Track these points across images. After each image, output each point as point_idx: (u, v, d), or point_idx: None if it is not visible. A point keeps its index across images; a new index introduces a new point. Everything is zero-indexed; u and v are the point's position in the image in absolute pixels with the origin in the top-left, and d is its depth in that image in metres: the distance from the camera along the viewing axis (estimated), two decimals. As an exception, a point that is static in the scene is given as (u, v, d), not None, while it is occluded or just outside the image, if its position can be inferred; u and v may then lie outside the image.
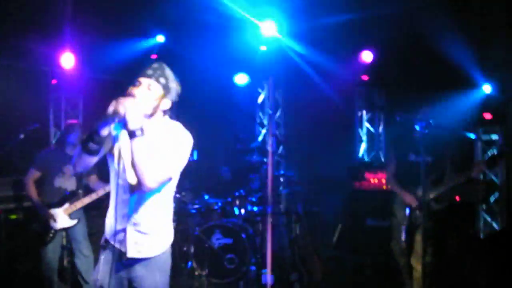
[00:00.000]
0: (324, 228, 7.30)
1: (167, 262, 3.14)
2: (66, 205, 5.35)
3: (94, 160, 2.83)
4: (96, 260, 3.11)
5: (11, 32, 6.77)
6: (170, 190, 3.06)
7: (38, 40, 6.89)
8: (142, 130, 2.63)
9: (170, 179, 2.91)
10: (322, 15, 7.00)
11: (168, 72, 2.94)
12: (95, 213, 5.80)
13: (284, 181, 6.56)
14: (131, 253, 2.94)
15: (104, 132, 2.71)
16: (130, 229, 2.94)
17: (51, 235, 5.31)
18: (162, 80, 2.88)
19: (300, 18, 7.31)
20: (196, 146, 3.06)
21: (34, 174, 5.42)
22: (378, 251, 6.51)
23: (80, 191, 5.45)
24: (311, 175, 7.99)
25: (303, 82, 8.34)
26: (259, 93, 8.75)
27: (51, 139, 7.79)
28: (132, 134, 2.62)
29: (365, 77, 7.97)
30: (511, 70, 6.70)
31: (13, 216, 6.26)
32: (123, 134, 2.73)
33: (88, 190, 5.49)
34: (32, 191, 5.37)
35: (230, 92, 8.45)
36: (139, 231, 2.96)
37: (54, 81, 7.66)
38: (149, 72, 2.86)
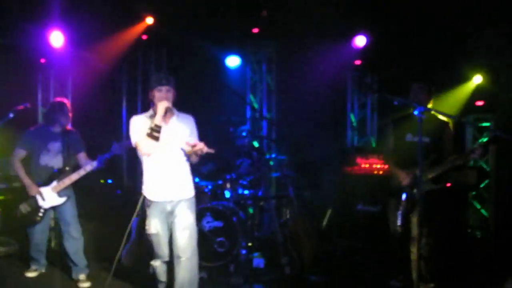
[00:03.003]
0: (314, 213, 7.29)
1: (194, 202, 4.46)
2: (54, 183, 5.28)
3: (156, 144, 4.10)
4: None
5: (0, 11, 6.64)
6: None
7: (27, 19, 6.78)
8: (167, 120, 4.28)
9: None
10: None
11: (169, 76, 4.29)
12: (83, 193, 5.72)
13: (275, 165, 6.52)
14: (177, 196, 4.29)
15: (160, 124, 4.09)
16: (175, 181, 4.31)
17: (40, 214, 5.24)
18: (171, 82, 4.26)
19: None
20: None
21: (21, 153, 5.35)
22: (368, 236, 6.53)
23: (68, 168, 5.36)
24: (302, 159, 7.97)
25: (295, 66, 8.30)
26: (250, 76, 8.66)
27: (39, 119, 7.69)
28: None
29: (357, 62, 7.93)
30: (502, 58, 6.71)
31: (1, 197, 6.19)
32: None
33: (75, 168, 5.42)
34: (20, 170, 5.30)
35: (221, 74, 8.38)
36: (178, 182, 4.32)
37: (42, 60, 7.54)
38: (164, 81, 4.21)
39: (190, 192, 4.40)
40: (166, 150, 4.24)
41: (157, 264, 4.50)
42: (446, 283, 5.36)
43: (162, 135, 4.12)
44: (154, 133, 4.06)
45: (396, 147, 5.24)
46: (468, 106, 7.06)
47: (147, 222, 4.35)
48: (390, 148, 5.31)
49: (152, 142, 4.09)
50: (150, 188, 4.32)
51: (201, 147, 4.03)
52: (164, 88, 4.21)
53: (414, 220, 4.79)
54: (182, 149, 4.26)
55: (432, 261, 5.07)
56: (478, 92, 7.06)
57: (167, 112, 4.19)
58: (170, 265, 4.44)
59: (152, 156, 4.24)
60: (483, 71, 6.99)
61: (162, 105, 4.11)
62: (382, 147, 5.52)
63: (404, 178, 4.93)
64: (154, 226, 4.30)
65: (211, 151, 4.05)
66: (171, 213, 4.31)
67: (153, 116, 4.16)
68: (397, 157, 5.20)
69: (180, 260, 4.26)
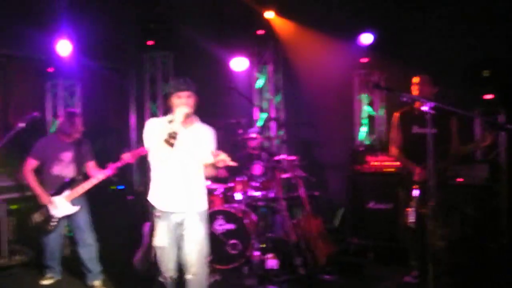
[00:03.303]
0: (325, 212, 7.28)
1: (206, 215, 4.22)
2: (67, 192, 5.32)
3: (172, 150, 3.85)
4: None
5: (7, 20, 6.70)
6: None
7: (34, 28, 6.82)
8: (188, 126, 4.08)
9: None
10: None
11: (189, 80, 4.08)
12: (97, 201, 5.76)
13: (285, 166, 6.51)
14: (188, 208, 4.06)
15: (178, 131, 3.83)
16: (187, 191, 4.08)
17: (53, 223, 5.28)
18: (192, 88, 4.06)
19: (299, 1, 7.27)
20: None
21: (32, 163, 5.40)
22: (380, 234, 6.52)
23: (80, 177, 5.41)
24: (312, 159, 7.97)
25: (302, 66, 8.30)
26: (257, 78, 8.68)
27: (49, 128, 7.74)
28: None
29: (364, 60, 7.91)
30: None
31: (14, 206, 6.23)
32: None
33: (87, 177, 5.46)
34: (32, 180, 5.34)
35: (228, 77, 8.40)
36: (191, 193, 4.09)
37: (51, 69, 7.59)
38: (183, 87, 4.02)
39: (203, 204, 4.19)
40: (181, 158, 4.03)
41: (165, 281, 4.19)
42: (461, 277, 5.35)
43: (178, 142, 3.88)
44: (171, 139, 3.80)
45: (404, 140, 5.27)
46: (477, 99, 7.02)
47: (154, 233, 4.14)
48: (397, 142, 5.33)
49: (167, 148, 3.83)
50: (160, 197, 4.11)
51: (224, 158, 3.79)
52: (184, 94, 4.01)
53: (428, 212, 4.78)
54: (202, 158, 4.04)
55: (448, 253, 5.06)
56: (486, 85, 7.01)
57: (187, 118, 3.97)
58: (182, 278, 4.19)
59: (165, 163, 4.03)
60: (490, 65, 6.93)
61: (181, 111, 3.90)
62: (390, 141, 5.54)
63: (418, 174, 4.93)
64: (161, 238, 4.09)
65: (234, 164, 3.81)
66: (180, 225, 4.08)
67: (171, 122, 3.87)
68: (405, 150, 5.23)
69: (188, 277, 4.07)
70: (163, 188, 4.10)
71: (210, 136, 4.21)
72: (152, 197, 4.14)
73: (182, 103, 3.98)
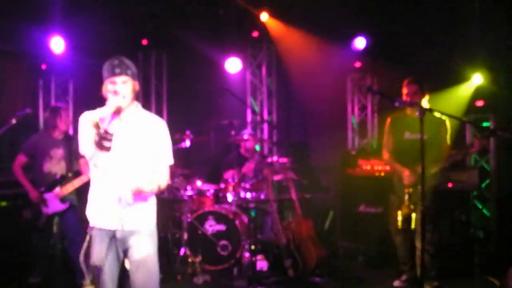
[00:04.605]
0: (316, 215, 7.29)
1: (155, 232, 3.44)
2: (57, 189, 5.28)
3: (108, 155, 3.05)
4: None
5: (0, 16, 6.66)
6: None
7: (27, 24, 6.79)
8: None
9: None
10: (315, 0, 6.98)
11: (127, 61, 3.27)
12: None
13: (276, 168, 6.52)
14: (127, 226, 3.25)
15: (113, 129, 2.97)
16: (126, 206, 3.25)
17: (43, 221, 5.25)
18: (129, 71, 3.24)
19: (294, 3, 7.28)
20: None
21: (22, 160, 5.37)
22: (370, 237, 6.54)
23: (70, 175, 5.36)
24: (303, 162, 8.00)
25: (295, 69, 8.32)
26: (250, 80, 8.69)
27: (41, 124, 7.71)
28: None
29: (357, 64, 7.95)
30: (501, 59, 6.73)
31: (3, 203, 6.19)
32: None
33: (78, 174, 5.43)
34: (22, 176, 5.33)
35: (221, 78, 8.40)
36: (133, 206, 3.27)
37: (43, 66, 7.56)
38: (117, 70, 3.19)
39: (150, 222, 3.36)
40: (120, 163, 3.21)
41: None
42: (450, 281, 5.37)
43: (116, 143, 3.04)
44: (103, 141, 2.93)
45: (395, 145, 5.31)
46: (468, 106, 7.08)
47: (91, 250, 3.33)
48: (389, 147, 5.37)
49: (101, 153, 3.00)
50: (93, 210, 3.31)
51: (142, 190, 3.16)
52: (118, 79, 3.18)
53: (418, 216, 4.82)
54: (148, 162, 3.30)
55: (436, 257, 5.09)
56: (478, 92, 7.07)
57: (118, 113, 3.06)
58: None
59: (101, 170, 3.22)
60: (483, 71, 6.99)
61: (112, 104, 3.07)
62: (381, 146, 5.58)
63: (408, 177, 4.97)
64: (96, 256, 3.26)
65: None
66: (122, 242, 3.27)
67: (103, 118, 3.04)
68: (397, 155, 5.27)
69: None
70: (98, 199, 3.30)
71: (159, 130, 3.39)
72: (88, 209, 3.36)
73: (114, 91, 3.17)
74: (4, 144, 6.40)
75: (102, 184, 3.27)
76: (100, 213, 3.27)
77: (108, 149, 2.95)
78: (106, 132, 2.93)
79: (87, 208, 3.36)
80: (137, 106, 3.40)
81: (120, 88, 3.18)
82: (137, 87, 3.30)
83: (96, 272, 3.28)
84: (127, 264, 3.35)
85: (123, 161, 3.21)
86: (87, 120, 3.18)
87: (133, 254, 3.28)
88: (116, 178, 3.21)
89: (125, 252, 3.31)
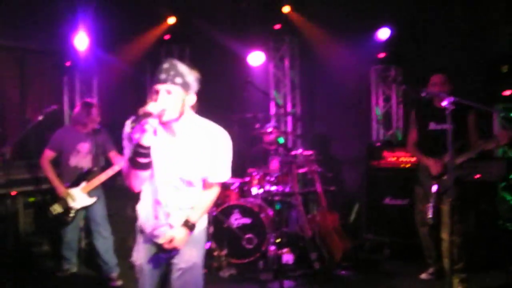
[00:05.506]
0: (341, 207, 7.25)
1: (203, 237, 3.26)
2: (84, 184, 5.34)
3: (148, 173, 2.86)
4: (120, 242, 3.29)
5: (25, 14, 6.74)
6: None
7: (51, 22, 6.86)
8: (174, 132, 2.87)
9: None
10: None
11: (181, 67, 2.83)
12: (114, 194, 5.79)
13: (301, 160, 6.50)
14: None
15: (148, 142, 2.68)
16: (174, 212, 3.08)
17: (71, 215, 5.31)
18: (178, 79, 2.78)
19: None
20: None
21: (49, 155, 5.41)
22: (396, 230, 6.48)
23: (96, 169, 5.43)
24: (328, 154, 7.96)
25: (319, 61, 8.28)
26: (274, 72, 8.66)
27: (66, 121, 7.79)
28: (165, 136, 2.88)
29: (381, 55, 7.85)
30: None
31: (32, 199, 6.28)
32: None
33: (104, 168, 5.48)
34: (50, 171, 5.37)
35: (244, 71, 8.38)
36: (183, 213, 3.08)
37: (68, 63, 7.63)
38: (163, 77, 2.76)
39: (197, 229, 3.13)
40: (163, 176, 2.97)
41: None
42: (477, 274, 5.31)
43: (157, 155, 2.84)
44: (138, 158, 2.69)
45: (420, 136, 5.25)
46: (495, 95, 6.95)
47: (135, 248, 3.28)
48: (414, 138, 5.31)
49: (138, 173, 2.77)
50: (140, 211, 3.20)
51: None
52: (162, 87, 2.76)
53: (446, 208, 4.76)
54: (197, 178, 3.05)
55: (465, 249, 5.02)
56: (505, 81, 6.93)
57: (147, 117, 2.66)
58: None
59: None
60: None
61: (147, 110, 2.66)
62: (406, 137, 5.53)
63: (434, 168, 4.91)
64: (137, 255, 3.22)
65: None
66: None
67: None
68: (422, 146, 5.21)
69: None
70: (147, 201, 3.14)
71: (213, 141, 2.94)
72: (138, 209, 3.24)
73: (155, 101, 2.76)
74: (31, 141, 6.48)
75: (148, 194, 3.10)
76: (145, 217, 3.15)
77: (146, 166, 2.74)
78: (141, 146, 2.66)
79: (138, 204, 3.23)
80: (190, 115, 2.94)
81: (163, 98, 2.74)
82: (191, 100, 2.87)
83: (136, 271, 3.23)
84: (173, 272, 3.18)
85: (169, 178, 2.98)
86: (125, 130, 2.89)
87: (178, 262, 3.11)
88: (161, 193, 3.02)
89: (170, 258, 3.15)
